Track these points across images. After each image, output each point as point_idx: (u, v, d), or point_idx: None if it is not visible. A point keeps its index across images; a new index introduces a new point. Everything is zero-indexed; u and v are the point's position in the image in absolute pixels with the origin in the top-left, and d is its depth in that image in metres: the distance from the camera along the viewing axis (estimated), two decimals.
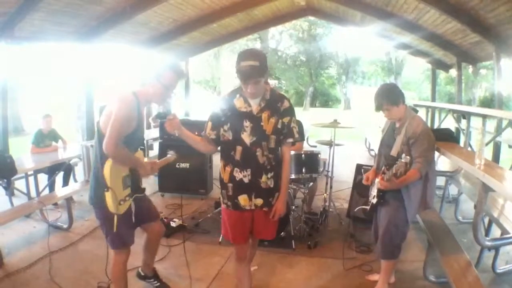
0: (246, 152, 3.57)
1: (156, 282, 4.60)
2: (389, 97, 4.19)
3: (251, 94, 3.49)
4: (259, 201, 3.68)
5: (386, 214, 4.31)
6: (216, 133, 3.67)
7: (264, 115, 3.55)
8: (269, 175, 3.64)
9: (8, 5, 6.69)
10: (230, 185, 3.68)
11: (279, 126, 3.60)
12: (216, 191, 3.39)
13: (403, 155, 3.87)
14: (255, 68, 3.31)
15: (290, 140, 3.73)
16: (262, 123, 3.55)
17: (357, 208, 5.86)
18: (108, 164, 3.48)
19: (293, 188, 6.28)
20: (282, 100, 3.68)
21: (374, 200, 4.38)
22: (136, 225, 4.04)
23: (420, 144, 4.04)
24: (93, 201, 3.76)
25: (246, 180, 3.60)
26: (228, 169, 3.66)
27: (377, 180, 4.30)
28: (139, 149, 3.93)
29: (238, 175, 3.62)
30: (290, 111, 3.69)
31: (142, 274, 4.62)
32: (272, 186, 3.69)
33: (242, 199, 3.66)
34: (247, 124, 3.54)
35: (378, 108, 4.27)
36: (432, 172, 4.30)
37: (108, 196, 3.49)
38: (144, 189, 4.07)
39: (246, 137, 3.55)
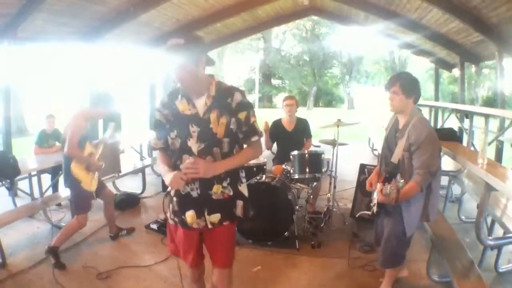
0: None
1: (124, 231, 6.25)
2: (405, 83, 3.87)
3: (179, 84, 2.96)
4: (215, 217, 3.08)
5: (387, 224, 4.16)
6: (164, 141, 3.15)
7: (213, 116, 2.95)
8: (224, 183, 3.06)
9: (10, 6, 6.70)
10: (175, 199, 3.15)
11: (232, 126, 2.99)
12: None
13: (399, 177, 3.62)
14: (178, 47, 2.82)
15: (255, 138, 3.09)
16: (211, 126, 2.96)
17: (358, 214, 5.83)
18: (73, 164, 5.16)
19: (296, 188, 6.28)
20: (232, 93, 3.00)
21: (375, 208, 4.09)
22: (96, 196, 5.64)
23: (423, 153, 3.69)
24: (69, 185, 5.38)
25: (194, 194, 3.05)
26: None
27: (378, 186, 3.97)
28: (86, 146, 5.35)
29: (184, 188, 3.04)
30: (245, 105, 3.03)
31: (112, 235, 6.12)
32: (231, 193, 3.11)
33: (189, 216, 3.09)
34: (193, 129, 2.97)
35: (390, 84, 3.93)
36: (436, 182, 3.98)
37: (84, 184, 5.27)
38: (101, 164, 5.61)
39: (193, 145, 2.99)
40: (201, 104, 2.98)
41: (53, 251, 5.17)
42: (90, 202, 5.47)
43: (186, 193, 3.05)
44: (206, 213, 3.06)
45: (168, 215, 3.26)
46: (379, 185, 3.88)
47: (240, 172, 3.21)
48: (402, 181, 3.53)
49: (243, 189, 3.21)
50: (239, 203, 3.16)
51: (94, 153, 5.47)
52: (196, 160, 2.82)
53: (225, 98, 2.97)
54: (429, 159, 3.68)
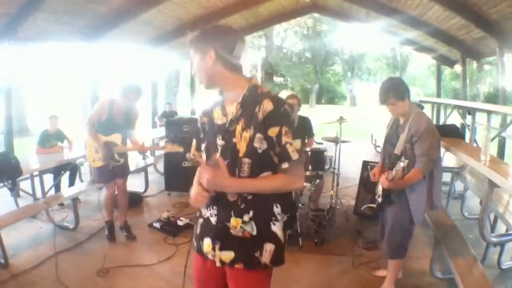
0: None
1: (124, 231, 6.11)
2: (396, 91, 4.02)
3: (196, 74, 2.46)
4: (227, 255, 2.38)
5: (391, 213, 4.24)
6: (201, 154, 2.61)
7: (238, 127, 2.34)
8: (245, 217, 2.35)
9: (10, 6, 6.68)
10: (200, 220, 2.58)
11: (256, 144, 2.29)
12: None
13: (402, 158, 3.80)
14: (191, 38, 2.42)
15: (285, 165, 2.31)
16: (235, 140, 2.34)
17: (363, 207, 5.85)
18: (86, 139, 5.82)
19: None
20: (261, 100, 2.31)
21: (380, 200, 4.24)
22: (113, 177, 5.96)
23: (423, 142, 3.88)
24: None
25: (213, 220, 2.45)
26: None
27: (382, 176, 4.12)
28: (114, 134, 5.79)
29: (205, 211, 2.52)
30: (277, 118, 2.29)
31: (122, 225, 6.15)
32: (254, 233, 2.35)
33: (206, 244, 2.47)
34: (220, 142, 2.41)
35: (383, 102, 4.09)
36: (438, 170, 4.13)
37: (88, 157, 5.96)
38: (118, 160, 5.89)
39: None
40: (231, 112, 2.41)
41: (108, 226, 6.06)
42: (105, 175, 5.88)
43: (207, 217, 2.49)
44: (217, 247, 2.41)
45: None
46: (383, 175, 4.05)
47: (275, 206, 2.40)
48: (406, 160, 3.69)
49: (277, 229, 2.41)
50: (269, 247, 2.39)
51: (118, 144, 5.86)
52: (211, 162, 2.31)
53: (253, 106, 2.32)
54: (429, 148, 3.89)
